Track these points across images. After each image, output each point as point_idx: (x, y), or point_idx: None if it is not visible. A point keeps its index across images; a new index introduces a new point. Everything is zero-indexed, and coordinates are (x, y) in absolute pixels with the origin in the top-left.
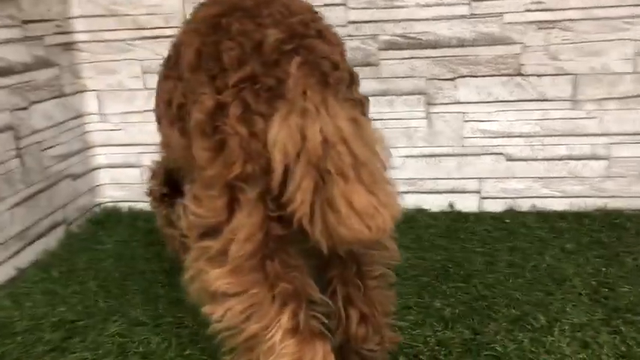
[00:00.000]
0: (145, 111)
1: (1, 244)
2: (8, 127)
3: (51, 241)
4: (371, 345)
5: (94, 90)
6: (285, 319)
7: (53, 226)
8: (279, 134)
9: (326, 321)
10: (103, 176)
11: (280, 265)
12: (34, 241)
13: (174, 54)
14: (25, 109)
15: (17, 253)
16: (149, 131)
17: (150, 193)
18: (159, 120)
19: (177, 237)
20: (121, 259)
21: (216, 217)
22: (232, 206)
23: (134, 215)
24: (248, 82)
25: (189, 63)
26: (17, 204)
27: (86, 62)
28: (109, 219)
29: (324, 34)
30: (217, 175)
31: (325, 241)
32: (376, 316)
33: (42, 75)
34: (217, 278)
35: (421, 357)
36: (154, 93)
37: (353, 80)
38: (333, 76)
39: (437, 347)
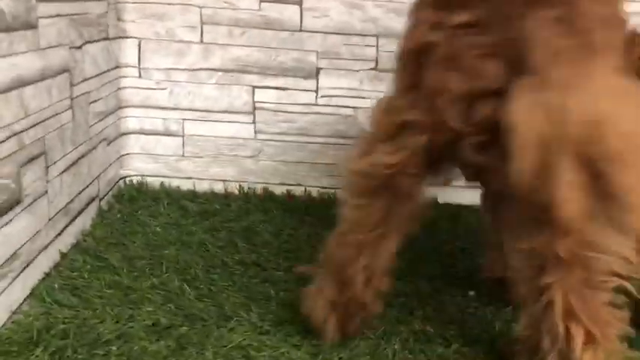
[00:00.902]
0: (197, 69)
1: (49, 220)
2: (65, 69)
3: (86, 219)
4: None
5: (134, 37)
6: None
7: (89, 201)
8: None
9: None
10: (132, 144)
11: None
12: (75, 218)
13: None
14: (79, 48)
15: (62, 232)
16: (201, 95)
17: None
18: None
19: None
20: (188, 247)
21: None
22: None
23: (172, 193)
24: None
25: None
26: (67, 169)
27: (130, 2)
28: (140, 196)
29: None
30: None
31: None
32: (607, 340)
33: (94, 8)
34: None
35: None
36: (211, 49)
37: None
38: (600, 37)
39: None
